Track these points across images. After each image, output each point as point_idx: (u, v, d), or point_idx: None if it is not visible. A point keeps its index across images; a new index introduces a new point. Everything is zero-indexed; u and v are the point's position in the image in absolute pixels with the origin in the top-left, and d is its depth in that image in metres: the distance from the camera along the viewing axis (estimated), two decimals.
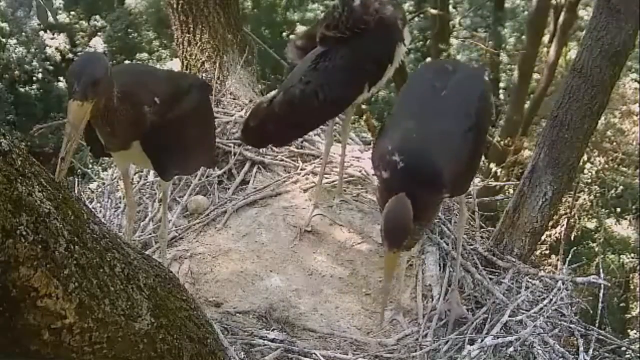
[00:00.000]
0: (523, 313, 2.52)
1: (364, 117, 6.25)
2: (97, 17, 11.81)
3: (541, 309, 2.56)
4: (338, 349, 2.41)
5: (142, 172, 3.33)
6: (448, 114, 2.15)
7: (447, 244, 2.86)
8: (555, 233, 5.76)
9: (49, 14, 3.13)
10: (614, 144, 8.02)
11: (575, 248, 3.39)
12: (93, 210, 2.10)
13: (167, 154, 2.16)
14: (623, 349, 2.68)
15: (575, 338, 2.56)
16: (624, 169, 8.14)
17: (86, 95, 1.75)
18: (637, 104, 8.31)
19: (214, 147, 2.75)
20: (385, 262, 1.98)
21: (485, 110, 2.33)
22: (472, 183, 2.49)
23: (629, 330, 6.19)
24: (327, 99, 2.64)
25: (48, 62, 10.91)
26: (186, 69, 3.99)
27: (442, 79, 2.28)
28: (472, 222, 3.14)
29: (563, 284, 2.71)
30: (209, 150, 2.63)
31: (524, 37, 8.75)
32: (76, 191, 3.35)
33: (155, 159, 2.16)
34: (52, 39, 11.21)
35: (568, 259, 2.97)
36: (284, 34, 11.10)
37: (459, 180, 2.13)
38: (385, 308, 2.63)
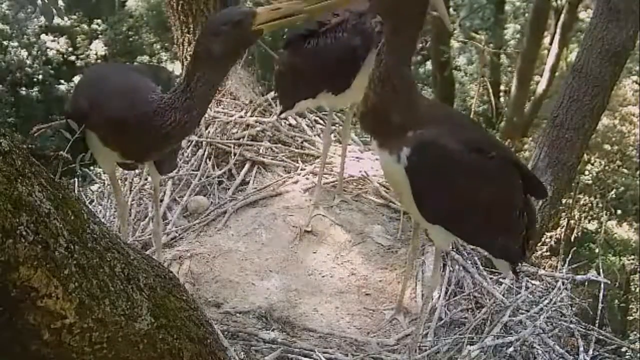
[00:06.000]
0: (523, 313, 2.52)
1: None
2: (98, 20, 11.83)
3: (541, 309, 2.56)
4: (338, 349, 2.40)
5: (142, 172, 3.33)
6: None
7: None
8: (556, 234, 5.77)
9: (55, 12, 3.11)
10: (614, 145, 8.04)
11: (575, 249, 3.38)
12: (93, 210, 2.09)
13: None
14: (623, 349, 2.68)
15: (575, 338, 2.56)
16: (625, 170, 8.15)
17: None
18: (637, 106, 8.33)
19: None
20: None
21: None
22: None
23: (629, 332, 6.18)
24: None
25: (49, 65, 10.94)
26: None
27: None
28: None
29: (563, 283, 2.71)
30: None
31: (525, 38, 8.77)
32: (76, 192, 3.35)
33: None
34: (53, 41, 11.24)
35: (568, 260, 2.97)
36: (284, 34, 11.08)
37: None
38: (386, 308, 2.64)
